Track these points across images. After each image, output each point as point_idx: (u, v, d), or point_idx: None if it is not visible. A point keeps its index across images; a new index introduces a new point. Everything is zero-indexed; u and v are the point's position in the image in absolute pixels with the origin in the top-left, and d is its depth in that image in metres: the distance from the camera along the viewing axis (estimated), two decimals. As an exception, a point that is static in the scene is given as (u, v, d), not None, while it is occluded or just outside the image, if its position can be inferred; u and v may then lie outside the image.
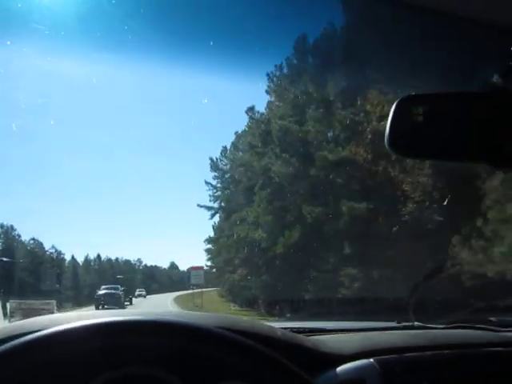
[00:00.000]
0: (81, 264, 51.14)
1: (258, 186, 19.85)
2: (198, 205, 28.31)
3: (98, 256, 55.59)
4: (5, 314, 10.78)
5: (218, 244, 27.14)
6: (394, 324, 1.66)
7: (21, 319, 1.29)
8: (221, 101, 40.37)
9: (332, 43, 15.08)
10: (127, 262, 60.84)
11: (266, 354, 0.89)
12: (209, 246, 31.65)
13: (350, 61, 12.06)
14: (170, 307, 22.12)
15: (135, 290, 41.07)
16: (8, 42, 8.85)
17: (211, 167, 27.89)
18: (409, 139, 0.96)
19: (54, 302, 12.75)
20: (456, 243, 10.97)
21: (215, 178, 28.20)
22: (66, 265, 45.47)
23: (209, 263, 40.38)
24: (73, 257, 47.94)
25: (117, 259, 58.27)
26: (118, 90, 35.95)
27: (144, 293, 40.86)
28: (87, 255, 52.77)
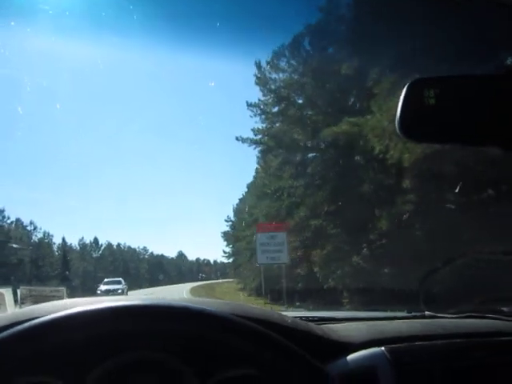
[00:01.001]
0: (74, 248, 43.76)
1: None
2: (238, 138, 19.01)
3: (96, 240, 47.43)
4: (15, 301, 10.94)
5: (266, 204, 18.56)
6: (404, 313, 1.66)
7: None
8: (229, 83, 40.26)
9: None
10: (131, 249, 54.21)
11: (281, 343, 0.89)
12: (227, 228, 27.57)
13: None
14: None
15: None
16: (12, 23, 8.84)
17: (256, 79, 17.78)
18: (420, 123, 0.93)
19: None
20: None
21: (258, 104, 18.16)
22: (55, 249, 39.70)
23: (227, 249, 35.09)
24: (64, 240, 41.53)
25: (119, 245, 51.28)
26: (124, 73, 35.91)
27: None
28: (82, 238, 45.52)
